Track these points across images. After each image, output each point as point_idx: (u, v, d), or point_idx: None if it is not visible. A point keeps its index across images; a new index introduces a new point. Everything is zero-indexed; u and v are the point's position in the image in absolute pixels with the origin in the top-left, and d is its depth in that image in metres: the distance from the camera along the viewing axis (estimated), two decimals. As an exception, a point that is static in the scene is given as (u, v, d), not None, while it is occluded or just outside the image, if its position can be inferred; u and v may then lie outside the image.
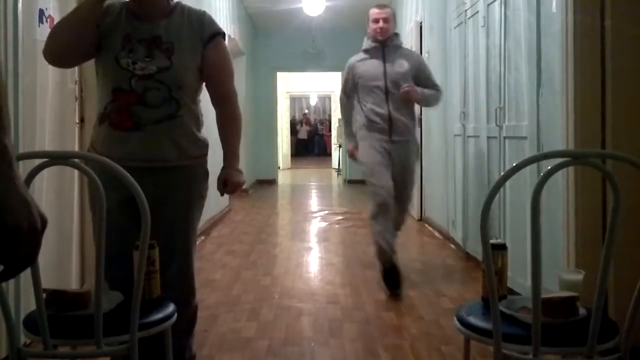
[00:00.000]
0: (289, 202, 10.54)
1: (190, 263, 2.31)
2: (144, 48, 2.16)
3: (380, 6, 4.32)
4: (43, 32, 3.03)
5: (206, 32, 2.24)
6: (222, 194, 2.39)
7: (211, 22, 2.29)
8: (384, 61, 4.20)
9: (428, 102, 4.36)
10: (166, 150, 2.18)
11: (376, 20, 4.26)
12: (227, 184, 2.32)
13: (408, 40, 7.81)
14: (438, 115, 6.04)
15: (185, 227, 2.27)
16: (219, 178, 2.33)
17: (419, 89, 4.14)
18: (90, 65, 3.49)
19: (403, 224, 4.58)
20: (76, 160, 1.58)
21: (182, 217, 2.26)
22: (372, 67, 4.23)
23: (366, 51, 4.34)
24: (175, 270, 2.21)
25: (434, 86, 4.28)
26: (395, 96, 4.11)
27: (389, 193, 4.04)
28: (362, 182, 12.09)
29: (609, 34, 2.82)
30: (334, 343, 3.10)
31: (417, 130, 4.91)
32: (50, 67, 3.11)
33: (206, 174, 2.35)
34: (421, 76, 4.24)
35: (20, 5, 2.68)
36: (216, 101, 2.36)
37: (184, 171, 2.25)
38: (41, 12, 3.01)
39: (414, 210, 7.38)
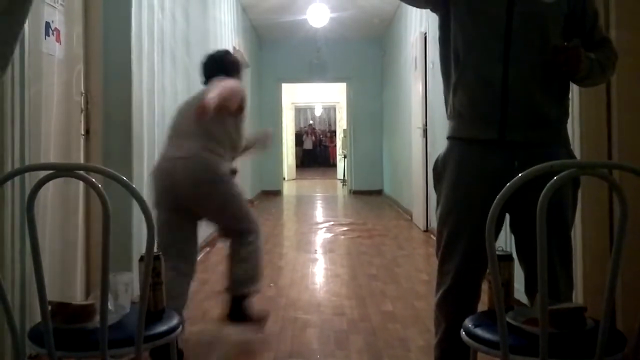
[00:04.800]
0: (294, 213, 10.53)
1: (241, 214, 3.11)
2: None
3: None
4: (49, 44, 3.05)
5: None
6: None
7: None
8: None
9: (596, 78, 2.17)
10: None
11: None
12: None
13: (412, 51, 7.82)
14: (443, 122, 6.02)
15: (231, 208, 3.09)
16: None
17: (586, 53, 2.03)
18: (95, 77, 3.54)
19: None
20: (81, 172, 1.58)
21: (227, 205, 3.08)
22: None
23: None
24: (227, 223, 3.12)
25: (603, 41, 2.18)
26: (525, 50, 2.04)
27: (467, 274, 2.15)
28: (367, 193, 12.22)
29: (614, 44, 2.81)
30: (340, 355, 3.08)
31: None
32: (56, 79, 3.13)
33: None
34: (583, 18, 2.12)
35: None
36: None
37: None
38: (47, 25, 3.02)
39: (419, 221, 7.37)
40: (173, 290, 2.57)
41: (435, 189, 2.31)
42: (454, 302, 2.21)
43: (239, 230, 3.10)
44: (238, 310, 3.06)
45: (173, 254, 2.78)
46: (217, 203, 3.02)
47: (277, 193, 12.35)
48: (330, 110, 22.92)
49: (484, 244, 1.52)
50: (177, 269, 2.82)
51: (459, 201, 2.15)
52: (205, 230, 6.15)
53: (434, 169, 2.30)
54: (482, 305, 2.02)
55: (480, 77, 2.08)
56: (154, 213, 2.86)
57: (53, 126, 3.11)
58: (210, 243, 6.26)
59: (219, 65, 3.25)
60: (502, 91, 2.04)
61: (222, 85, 2.95)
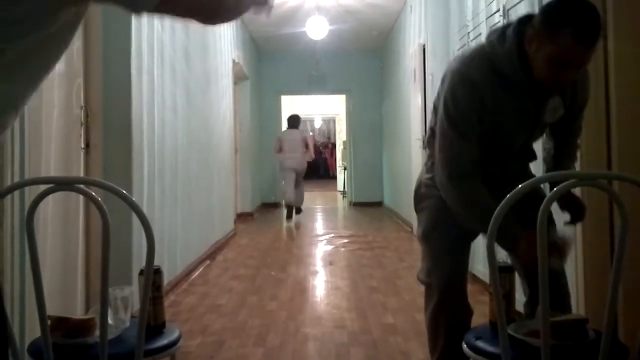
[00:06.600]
0: (294, 225, 10.51)
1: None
2: None
3: (588, 39, 1.85)
4: (49, 58, 3.05)
5: None
6: None
7: None
8: (537, 104, 2.08)
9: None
10: None
11: (568, 62, 1.89)
12: None
13: (411, 63, 7.85)
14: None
15: (303, 174, 10.29)
16: None
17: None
18: (95, 90, 3.54)
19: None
20: (81, 185, 1.58)
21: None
22: (518, 108, 2.08)
23: (507, 80, 2.02)
24: (301, 178, 10.15)
25: (578, 128, 2.34)
26: (526, 151, 2.31)
27: (454, 285, 2.33)
28: (367, 205, 12.23)
29: (611, 56, 2.83)
30: (340, 368, 3.07)
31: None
32: (56, 93, 3.14)
33: None
34: (571, 109, 2.17)
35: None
36: None
37: None
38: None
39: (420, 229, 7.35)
40: (292, 196, 9.89)
41: (415, 210, 2.38)
42: (446, 316, 2.24)
43: (302, 177, 10.08)
44: (299, 210, 10.21)
45: (293, 185, 9.83)
46: (303, 173, 10.10)
47: (276, 205, 12.32)
48: (329, 122, 22.94)
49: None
50: (293, 188, 9.86)
51: (444, 215, 2.16)
52: (202, 246, 6.14)
53: (416, 192, 2.36)
54: (484, 317, 2.02)
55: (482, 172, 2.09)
56: (284, 177, 9.99)
57: (53, 140, 3.11)
58: (210, 257, 6.25)
59: (296, 122, 10.13)
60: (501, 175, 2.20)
61: (311, 145, 10.20)
